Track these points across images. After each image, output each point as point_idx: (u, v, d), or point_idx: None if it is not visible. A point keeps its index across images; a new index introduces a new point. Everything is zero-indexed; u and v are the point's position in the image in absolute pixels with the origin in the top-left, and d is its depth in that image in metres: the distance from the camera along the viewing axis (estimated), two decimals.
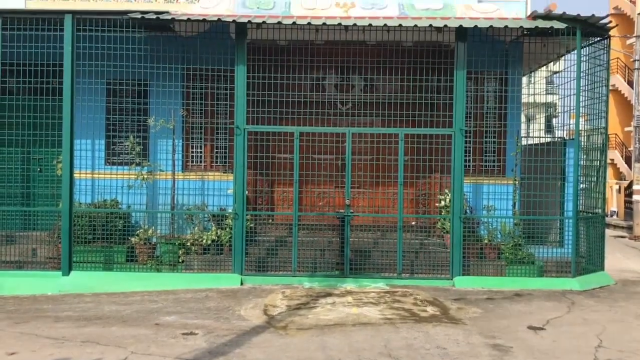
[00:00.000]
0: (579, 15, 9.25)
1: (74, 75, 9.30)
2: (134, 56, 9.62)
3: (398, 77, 10.44)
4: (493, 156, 11.01)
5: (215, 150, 11.09)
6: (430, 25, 9.09)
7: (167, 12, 9.28)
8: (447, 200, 9.97)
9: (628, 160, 27.05)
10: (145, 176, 10.28)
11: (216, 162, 11.07)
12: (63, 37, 9.28)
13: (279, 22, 9.15)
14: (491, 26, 9.16)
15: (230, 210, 9.82)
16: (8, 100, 9.80)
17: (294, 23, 9.15)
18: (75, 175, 9.55)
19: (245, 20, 9.10)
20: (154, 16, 9.04)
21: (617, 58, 26.67)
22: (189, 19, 9.13)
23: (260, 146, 10.25)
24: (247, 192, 9.66)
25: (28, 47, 9.51)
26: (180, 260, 9.84)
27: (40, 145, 10.33)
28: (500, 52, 10.28)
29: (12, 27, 9.52)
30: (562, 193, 10.41)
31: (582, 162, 10.15)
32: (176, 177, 10.38)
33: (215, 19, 9.10)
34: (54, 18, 9.37)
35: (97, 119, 10.39)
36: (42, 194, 10.79)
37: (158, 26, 9.62)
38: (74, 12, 9.35)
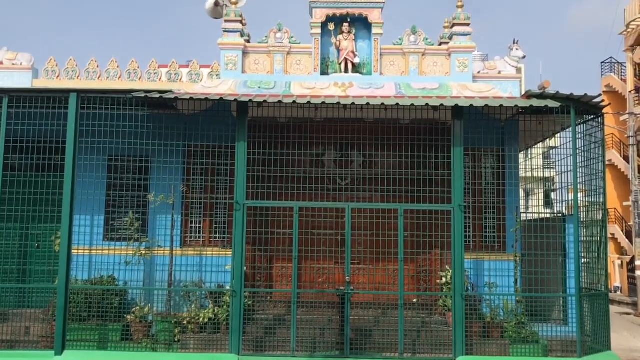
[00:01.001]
0: (572, 94, 9.47)
1: (76, 152, 9.41)
2: (136, 133, 9.78)
3: (397, 154, 10.57)
4: (493, 232, 10.97)
5: (214, 226, 11.07)
6: (427, 104, 9.28)
7: (170, 91, 9.50)
8: (448, 277, 9.84)
9: (629, 235, 26.96)
10: (143, 252, 10.21)
11: (215, 237, 11.02)
12: (67, 114, 9.45)
13: (280, 101, 9.36)
14: (486, 105, 9.36)
15: (228, 287, 9.68)
16: (10, 176, 9.85)
17: (294, 102, 9.36)
18: (73, 251, 9.47)
19: (246, 99, 9.31)
20: (157, 95, 9.25)
21: (612, 134, 27.13)
22: (191, 98, 9.34)
23: (260, 221, 10.24)
24: (245, 268, 9.56)
25: (32, 125, 9.68)
26: (176, 339, 9.60)
27: (40, 221, 10.30)
28: (497, 130, 10.45)
29: (17, 105, 9.74)
30: (564, 270, 10.30)
31: (582, 238, 10.11)
32: (174, 252, 10.30)
33: (218, 98, 9.31)
34: (59, 97, 9.58)
35: (97, 195, 10.43)
36: (39, 270, 10.67)
37: (161, 104, 9.84)
38: (79, 91, 9.56)
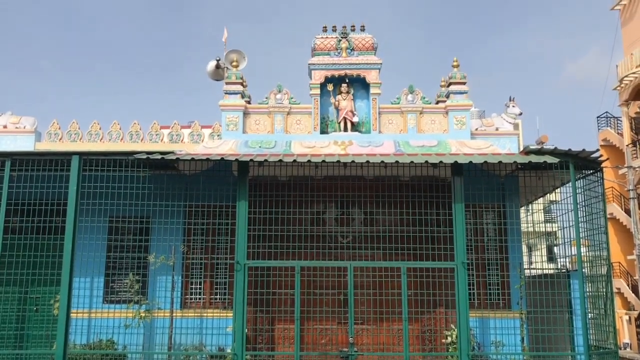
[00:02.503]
0: (570, 149, 9.55)
1: (77, 214, 9.40)
2: (137, 194, 9.79)
3: (397, 211, 10.55)
4: (497, 289, 10.82)
5: (215, 286, 10.94)
6: (426, 162, 9.34)
7: (172, 152, 9.58)
8: (454, 336, 9.66)
9: (635, 289, 26.58)
10: (143, 315, 10.05)
11: (216, 298, 10.87)
12: (69, 177, 9.49)
13: (280, 160, 9.42)
14: (485, 161, 9.42)
15: (229, 351, 9.47)
16: (10, 239, 9.81)
17: (294, 161, 9.42)
18: (72, 314, 9.32)
19: (247, 159, 9.38)
20: (159, 156, 9.31)
21: (612, 187, 27.15)
22: (193, 159, 9.41)
23: (261, 282, 10.12)
24: (246, 330, 9.38)
25: (34, 187, 9.73)
26: None
27: (39, 284, 10.22)
28: (497, 186, 10.48)
29: (20, 168, 9.81)
30: (571, 327, 10.10)
31: (588, 293, 9.96)
32: (174, 314, 10.14)
33: (219, 158, 9.38)
34: (61, 159, 9.65)
35: (97, 257, 10.37)
36: (37, 335, 10.47)
37: (163, 165, 9.90)
38: (81, 153, 9.63)
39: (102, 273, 10.67)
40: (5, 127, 11.34)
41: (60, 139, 11.30)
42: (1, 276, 9.62)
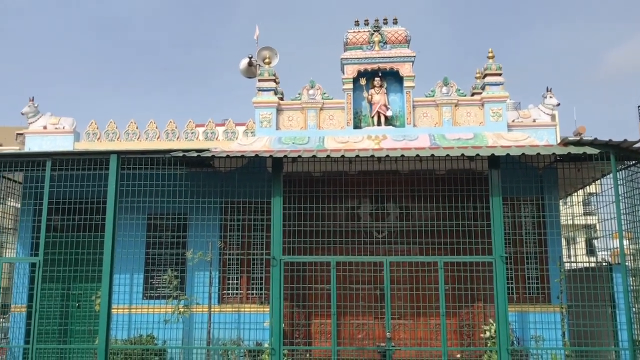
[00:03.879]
0: (610, 140, 9.30)
1: (116, 212, 9.56)
2: (174, 192, 9.93)
3: (433, 205, 10.45)
4: (536, 283, 10.65)
5: (251, 282, 11.03)
6: (463, 155, 9.21)
7: (207, 150, 9.67)
8: (492, 330, 9.54)
9: None
10: (182, 310, 10.20)
11: (252, 293, 10.96)
12: (107, 175, 9.66)
13: (314, 156, 9.41)
14: (523, 154, 9.24)
15: (266, 345, 9.54)
16: (52, 237, 10.07)
17: (328, 156, 9.38)
18: (113, 310, 9.50)
19: (281, 155, 9.40)
20: (195, 154, 9.41)
21: None
22: (228, 156, 9.48)
23: (297, 277, 10.15)
24: (283, 325, 9.42)
25: (74, 186, 9.95)
26: None
27: (80, 280, 10.46)
28: (535, 178, 10.30)
29: (60, 167, 10.04)
30: (614, 321, 9.87)
31: (631, 287, 9.72)
32: (212, 310, 10.27)
33: (253, 155, 9.43)
34: (100, 158, 9.84)
35: (136, 254, 10.55)
36: (79, 330, 10.73)
37: (198, 162, 10.01)
38: (119, 152, 9.77)
39: (142, 269, 10.85)
40: (45, 127, 11.62)
41: (99, 138, 11.52)
42: (45, 273, 9.82)
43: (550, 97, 11.08)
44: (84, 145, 11.31)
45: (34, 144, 11.46)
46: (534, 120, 10.98)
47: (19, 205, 11.45)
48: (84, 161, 9.96)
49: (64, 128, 11.59)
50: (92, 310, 10.17)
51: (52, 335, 10.66)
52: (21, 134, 14.08)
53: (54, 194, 9.89)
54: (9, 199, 11.92)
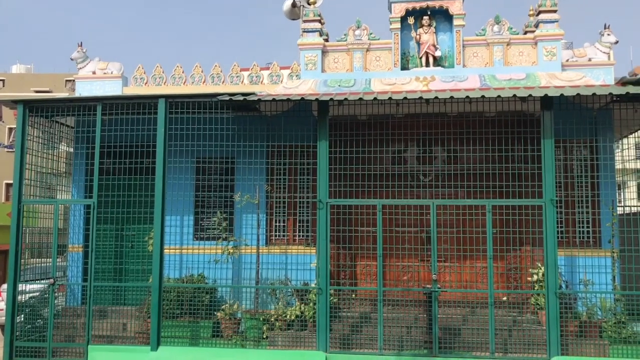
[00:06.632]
0: None
1: (165, 155, 9.74)
2: (221, 135, 10.03)
3: (482, 148, 10.27)
4: (587, 227, 10.45)
5: (298, 224, 11.17)
6: (514, 95, 8.94)
7: (253, 94, 9.65)
8: (540, 274, 9.48)
9: None
10: (231, 251, 10.46)
11: (299, 235, 11.12)
12: (156, 119, 9.81)
13: (361, 99, 9.28)
14: (578, 94, 8.90)
15: (313, 285, 9.74)
16: (105, 180, 10.37)
17: (375, 99, 9.25)
18: (165, 250, 9.81)
19: (327, 98, 9.31)
20: (241, 97, 9.40)
21: None
22: (273, 99, 9.45)
23: (343, 220, 10.22)
24: (329, 266, 9.57)
25: (124, 130, 10.15)
26: (264, 336, 9.78)
27: (133, 222, 10.80)
28: (589, 120, 9.95)
29: (110, 112, 10.23)
30: None
31: None
32: (260, 251, 10.49)
33: (299, 98, 9.37)
34: (148, 102, 9.96)
35: (186, 196, 10.78)
36: (133, 270, 11.16)
37: (244, 106, 10.02)
38: (166, 97, 9.88)
39: (192, 212, 11.12)
40: (94, 73, 11.77)
41: (146, 83, 11.62)
42: (99, 215, 10.19)
43: (608, 34, 10.55)
44: (132, 90, 11.44)
45: (84, 89, 11.65)
46: (590, 60, 10.52)
47: (72, 150, 11.77)
48: (133, 105, 10.11)
49: (112, 73, 11.71)
50: (145, 250, 10.54)
51: (108, 274, 11.13)
52: (71, 80, 14.36)
53: (105, 138, 10.11)
54: (62, 143, 12.25)
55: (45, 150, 11.55)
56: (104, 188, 10.26)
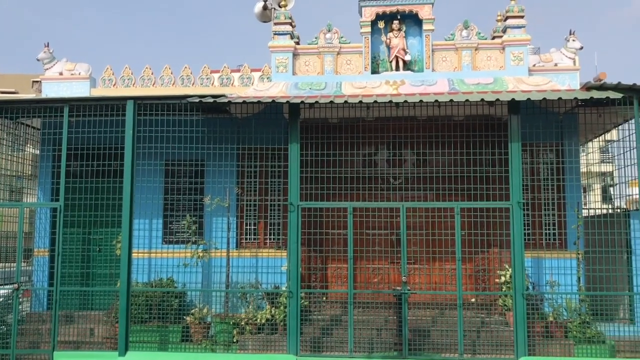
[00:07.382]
0: (635, 84, 9.09)
1: (134, 158, 9.61)
2: (191, 138, 9.96)
3: (451, 151, 10.40)
4: (553, 229, 10.65)
5: (269, 227, 11.14)
6: (482, 100, 9.07)
7: (223, 96, 9.60)
8: (508, 275, 9.62)
9: None
10: (201, 254, 10.37)
11: (270, 238, 11.09)
12: (124, 121, 9.67)
13: (331, 102, 9.32)
14: (544, 98, 9.08)
15: (284, 288, 9.72)
16: (72, 183, 10.19)
17: (345, 102, 9.29)
18: (133, 254, 9.67)
19: (298, 101, 9.32)
20: (211, 99, 9.35)
21: None
22: (244, 102, 9.41)
23: (314, 222, 10.24)
24: (300, 269, 9.57)
25: (92, 132, 9.99)
26: (234, 340, 9.71)
27: (100, 225, 10.64)
28: (555, 124, 10.15)
29: (77, 113, 10.06)
30: (630, 267, 9.91)
31: None
32: (230, 254, 10.43)
33: (270, 100, 9.35)
34: (116, 104, 9.83)
35: (155, 199, 10.66)
36: (100, 274, 10.99)
37: (214, 108, 9.97)
38: (135, 98, 9.74)
39: (161, 215, 11.00)
40: (61, 74, 11.56)
41: (114, 84, 11.46)
42: (66, 218, 10.00)
43: (574, 40, 10.79)
44: (100, 92, 11.28)
45: (51, 90, 11.44)
46: (556, 65, 10.73)
47: (38, 152, 11.55)
48: (100, 107, 9.98)
49: (79, 74, 11.52)
50: (113, 254, 10.38)
51: (75, 278, 10.93)
52: (37, 81, 14.08)
53: (72, 140, 9.94)
54: (28, 145, 12.02)
55: (10, 153, 11.32)
56: (71, 191, 10.08)
